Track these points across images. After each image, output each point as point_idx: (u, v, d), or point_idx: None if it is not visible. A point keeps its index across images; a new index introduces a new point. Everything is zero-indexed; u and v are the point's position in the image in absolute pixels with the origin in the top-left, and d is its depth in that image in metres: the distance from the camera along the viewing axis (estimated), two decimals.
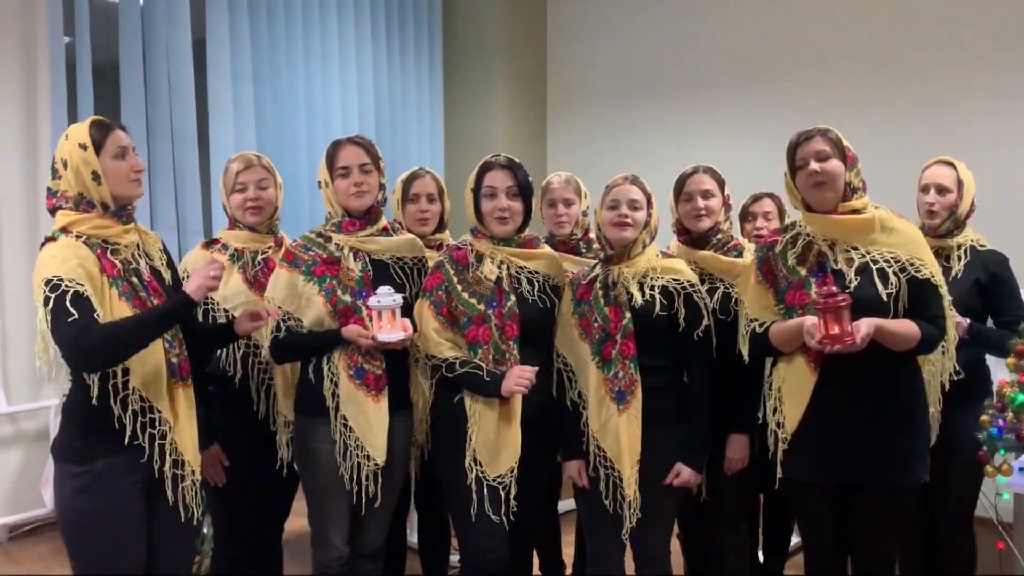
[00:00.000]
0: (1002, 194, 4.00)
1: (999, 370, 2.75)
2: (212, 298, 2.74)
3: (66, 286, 2.08)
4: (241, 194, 2.84)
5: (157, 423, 2.22)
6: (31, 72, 4.30)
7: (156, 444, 2.22)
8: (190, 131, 4.67)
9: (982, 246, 2.92)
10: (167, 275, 2.38)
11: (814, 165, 2.38)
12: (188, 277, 2.40)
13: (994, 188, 3.64)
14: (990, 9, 4.38)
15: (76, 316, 2.06)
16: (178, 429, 2.27)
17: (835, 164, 2.38)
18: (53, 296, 2.08)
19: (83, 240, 2.18)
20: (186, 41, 4.64)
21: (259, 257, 2.84)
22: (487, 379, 2.52)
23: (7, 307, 4.20)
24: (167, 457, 2.24)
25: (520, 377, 2.48)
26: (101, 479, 2.19)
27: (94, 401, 2.16)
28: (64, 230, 2.19)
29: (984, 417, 2.57)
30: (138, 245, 2.31)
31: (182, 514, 2.29)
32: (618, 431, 2.50)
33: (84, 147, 2.19)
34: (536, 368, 2.51)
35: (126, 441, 2.19)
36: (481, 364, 2.54)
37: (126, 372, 2.19)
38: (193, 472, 2.29)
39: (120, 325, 2.13)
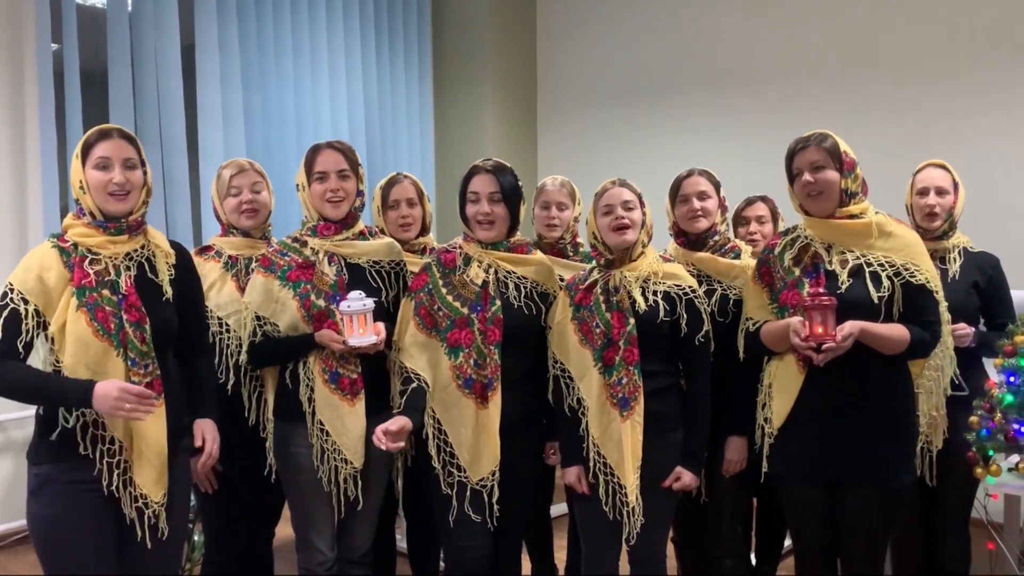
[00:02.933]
0: (987, 196, 4.03)
1: (994, 372, 2.77)
2: (206, 306, 2.72)
3: (10, 300, 2.16)
4: (235, 198, 2.84)
5: (104, 440, 2.19)
6: (19, 79, 4.28)
7: (104, 461, 2.20)
8: (179, 138, 4.65)
9: (971, 248, 2.95)
10: (168, 290, 2.34)
11: (807, 176, 2.42)
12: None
13: (979, 190, 3.66)
14: (977, 13, 4.41)
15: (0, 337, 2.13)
16: (135, 453, 2.22)
17: (829, 174, 2.42)
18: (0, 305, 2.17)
19: (68, 245, 2.23)
20: (175, 48, 4.63)
21: (253, 264, 2.83)
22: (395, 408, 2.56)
23: None
24: (117, 477, 2.21)
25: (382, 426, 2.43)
26: (48, 483, 2.20)
27: (50, 409, 2.19)
28: (64, 231, 2.27)
29: (973, 418, 2.58)
30: (129, 255, 2.29)
31: (139, 535, 2.25)
32: (620, 438, 2.50)
33: (77, 156, 2.24)
34: (397, 443, 2.45)
35: (78, 452, 2.18)
36: (422, 390, 2.55)
37: None
38: (153, 500, 2.24)
39: (16, 376, 2.15)
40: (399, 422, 2.44)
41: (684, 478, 2.55)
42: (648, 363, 2.53)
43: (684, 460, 2.55)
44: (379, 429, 2.41)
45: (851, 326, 2.30)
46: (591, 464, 2.56)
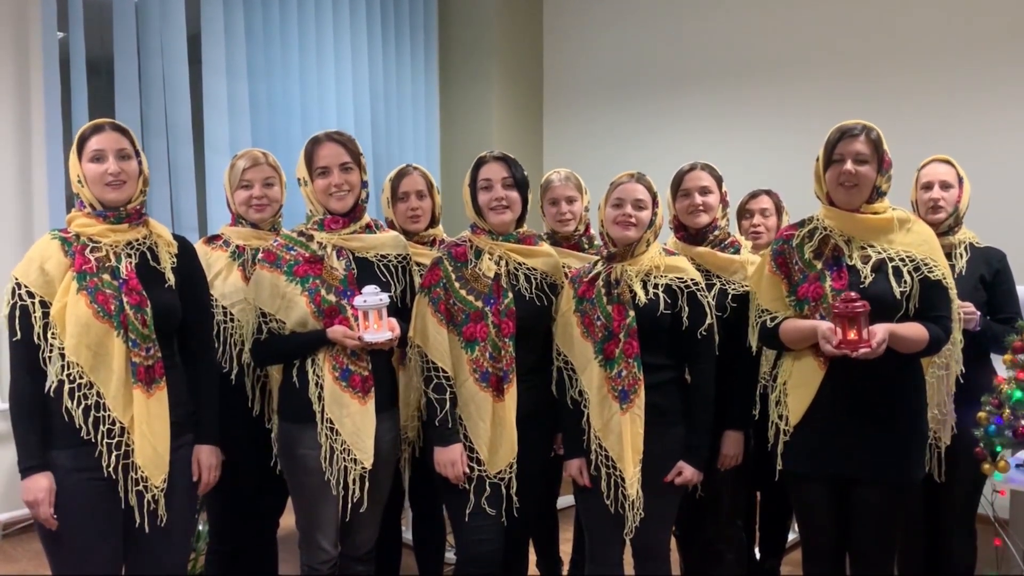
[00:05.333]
0: (994, 191, 4.02)
1: (1002, 369, 2.75)
2: (211, 295, 2.72)
3: (19, 296, 2.21)
4: (246, 191, 2.83)
5: (105, 421, 2.21)
6: (25, 68, 4.28)
7: (104, 443, 2.21)
8: (185, 127, 4.65)
9: (977, 243, 2.93)
10: (171, 277, 2.35)
11: (849, 166, 2.37)
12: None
13: (986, 185, 3.64)
14: (985, 7, 4.38)
15: (18, 336, 2.21)
16: (137, 435, 2.23)
17: (869, 170, 2.38)
18: (10, 304, 2.22)
19: (70, 235, 2.28)
20: (181, 37, 4.62)
21: (260, 255, 2.82)
22: (436, 424, 2.56)
23: None
24: (117, 459, 2.22)
25: (455, 464, 2.54)
26: (52, 471, 2.22)
27: (51, 392, 2.20)
28: (68, 224, 2.32)
29: (981, 414, 2.57)
30: (131, 243, 2.31)
31: (137, 519, 2.25)
32: (621, 430, 2.49)
33: (74, 151, 2.29)
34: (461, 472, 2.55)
35: (80, 435, 2.20)
36: (455, 400, 2.57)
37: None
38: (153, 483, 2.25)
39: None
40: (465, 458, 2.55)
41: (685, 473, 2.54)
42: (650, 356, 2.52)
43: (686, 455, 2.55)
44: (460, 477, 2.53)
45: (883, 331, 2.27)
46: (593, 456, 2.56)
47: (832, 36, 4.87)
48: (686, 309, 2.52)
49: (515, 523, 2.64)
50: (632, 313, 2.50)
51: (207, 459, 2.43)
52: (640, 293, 2.51)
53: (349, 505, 2.53)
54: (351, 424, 2.50)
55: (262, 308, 2.58)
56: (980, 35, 4.40)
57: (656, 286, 2.53)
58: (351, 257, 2.59)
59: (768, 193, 3.36)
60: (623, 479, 2.50)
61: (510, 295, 2.58)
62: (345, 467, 2.51)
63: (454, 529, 2.69)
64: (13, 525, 4.25)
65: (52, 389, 2.20)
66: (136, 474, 2.24)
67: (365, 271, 2.59)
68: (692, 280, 2.55)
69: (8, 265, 2.34)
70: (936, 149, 3.07)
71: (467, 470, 2.54)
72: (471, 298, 2.58)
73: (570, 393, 2.62)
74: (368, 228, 2.66)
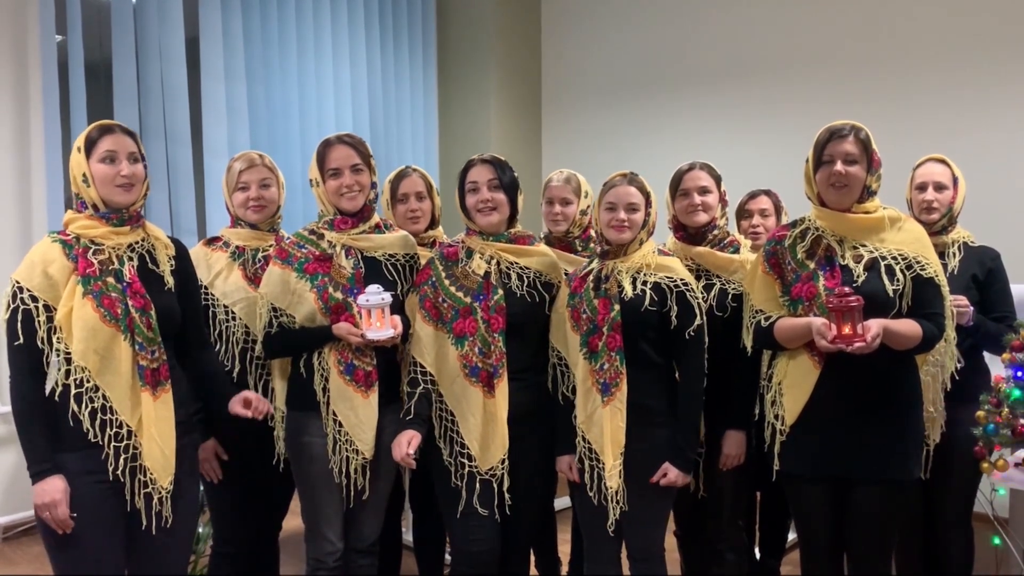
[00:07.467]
0: (989, 190, 4.02)
1: (996, 367, 2.76)
2: (212, 294, 2.76)
3: (21, 300, 2.19)
4: (243, 192, 2.85)
5: (112, 425, 2.21)
6: (23, 71, 4.28)
7: (112, 446, 2.21)
8: (183, 130, 4.66)
9: (972, 242, 2.94)
10: (170, 280, 2.37)
11: (839, 167, 2.39)
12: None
13: (981, 184, 3.65)
14: (980, 5, 4.39)
15: (20, 340, 2.19)
16: (145, 437, 2.24)
17: (859, 170, 2.40)
18: (11, 308, 2.20)
19: (70, 238, 2.27)
20: (179, 40, 4.63)
21: (259, 255, 2.84)
22: (403, 412, 2.62)
23: None
24: (125, 462, 2.22)
25: (399, 446, 2.55)
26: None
27: (56, 397, 2.20)
28: (65, 226, 2.30)
29: (980, 413, 2.57)
30: (131, 246, 2.32)
31: (143, 522, 2.26)
32: (602, 422, 2.51)
33: (79, 149, 2.28)
34: (413, 453, 2.55)
35: (87, 438, 2.20)
36: (427, 394, 2.62)
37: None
38: (161, 485, 2.26)
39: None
40: (415, 442, 2.55)
41: (670, 474, 2.53)
42: (638, 354, 2.53)
43: (671, 456, 2.54)
44: (404, 458, 2.52)
45: (877, 326, 2.27)
46: (578, 449, 2.58)
47: (830, 36, 4.88)
48: (675, 308, 2.53)
49: (512, 523, 2.65)
50: (617, 307, 2.52)
51: (252, 394, 2.44)
52: (627, 288, 2.53)
53: (352, 494, 2.59)
54: (353, 416, 2.57)
55: (273, 303, 2.64)
56: (978, 35, 4.40)
57: (645, 283, 2.54)
58: (359, 256, 2.64)
59: (767, 193, 3.36)
60: (605, 470, 2.51)
61: (500, 291, 2.61)
62: (347, 457, 2.57)
63: (447, 529, 2.71)
64: (13, 528, 4.25)
65: (57, 393, 2.21)
66: (144, 476, 2.25)
67: (373, 270, 2.65)
68: (682, 280, 2.56)
69: (7, 268, 2.34)
70: (933, 148, 3.08)
71: (411, 451, 2.54)
72: (460, 294, 2.62)
73: (562, 389, 2.65)
74: (377, 228, 2.71)
